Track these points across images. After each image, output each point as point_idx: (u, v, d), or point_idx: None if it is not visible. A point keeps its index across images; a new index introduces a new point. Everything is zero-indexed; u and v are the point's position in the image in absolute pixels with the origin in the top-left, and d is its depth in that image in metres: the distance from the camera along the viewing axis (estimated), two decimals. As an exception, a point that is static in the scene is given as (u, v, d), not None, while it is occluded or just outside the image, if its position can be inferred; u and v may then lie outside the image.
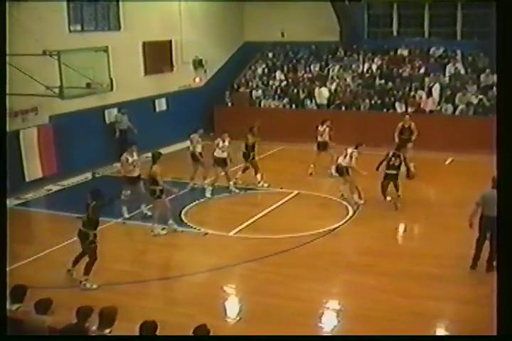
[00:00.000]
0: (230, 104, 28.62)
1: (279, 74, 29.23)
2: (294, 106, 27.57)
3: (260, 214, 16.53)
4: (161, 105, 26.05)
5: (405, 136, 20.49)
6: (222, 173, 18.76)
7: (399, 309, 11.40)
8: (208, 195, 18.38)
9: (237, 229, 15.78)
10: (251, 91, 28.66)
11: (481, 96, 24.63)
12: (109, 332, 7.80)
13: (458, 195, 17.93)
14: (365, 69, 28.04)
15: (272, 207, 17.12)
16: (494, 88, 24.27)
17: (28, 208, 18.63)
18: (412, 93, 25.83)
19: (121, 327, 8.07)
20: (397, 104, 25.70)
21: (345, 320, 11.29)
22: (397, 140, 20.05)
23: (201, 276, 13.34)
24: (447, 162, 21.49)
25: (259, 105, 28.16)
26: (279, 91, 28.29)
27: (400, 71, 27.16)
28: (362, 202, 17.46)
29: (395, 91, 26.24)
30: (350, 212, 17.01)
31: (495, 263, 12.07)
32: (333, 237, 15.32)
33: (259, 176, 19.47)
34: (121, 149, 22.68)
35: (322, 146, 20.57)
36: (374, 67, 27.90)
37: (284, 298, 11.92)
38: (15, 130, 19.33)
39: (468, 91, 25.04)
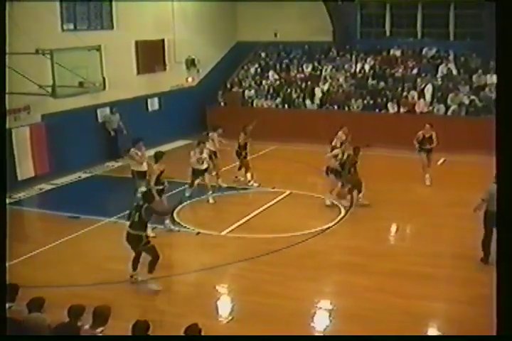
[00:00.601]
0: (222, 104, 28.61)
1: (271, 74, 29.24)
2: (286, 106, 27.57)
3: (252, 214, 16.53)
4: (154, 104, 26.04)
5: (425, 146, 19.39)
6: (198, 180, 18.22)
7: (391, 308, 11.42)
8: (187, 194, 18.28)
9: (230, 228, 15.78)
10: (244, 91, 28.68)
11: (473, 97, 24.72)
12: (102, 331, 7.80)
13: (450, 195, 18.02)
14: (357, 70, 28.09)
15: (264, 207, 17.12)
16: (486, 89, 24.37)
17: (21, 207, 18.56)
18: (405, 93, 25.89)
19: (113, 326, 8.07)
20: (389, 105, 25.75)
21: (337, 320, 11.29)
22: (416, 146, 19.44)
23: (193, 276, 13.34)
24: (439, 162, 21.52)
25: (252, 105, 28.16)
26: (271, 91, 28.30)
27: (393, 71, 27.23)
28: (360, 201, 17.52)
29: (388, 92, 26.30)
30: (343, 212, 17.02)
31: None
32: (325, 237, 15.32)
33: (249, 175, 19.55)
34: (113, 148, 22.77)
35: None
36: (367, 67, 27.95)
37: (277, 298, 11.92)
38: (7, 129, 19.27)
39: (461, 92, 25.11)
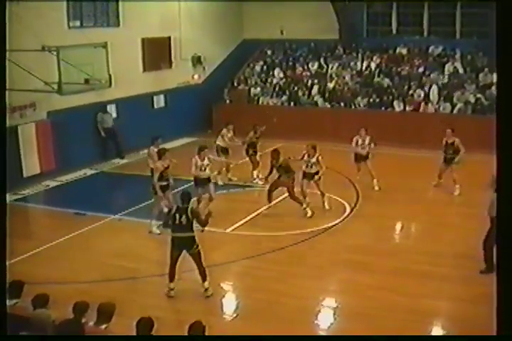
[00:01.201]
0: (228, 102, 28.61)
1: (277, 72, 29.23)
2: (292, 103, 27.57)
3: (257, 212, 16.54)
4: (160, 102, 26.06)
5: (449, 155, 18.24)
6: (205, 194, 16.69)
7: (395, 307, 11.43)
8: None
9: (235, 226, 15.80)
10: (249, 89, 28.66)
11: (479, 95, 24.67)
12: (106, 328, 7.82)
13: (455, 194, 18.02)
14: (363, 68, 28.06)
15: (270, 205, 17.10)
16: (493, 87, 24.29)
17: (26, 204, 18.64)
18: (411, 92, 25.86)
19: (117, 322, 8.09)
20: (395, 103, 25.72)
21: (341, 318, 11.31)
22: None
23: (198, 273, 13.35)
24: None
25: (258, 102, 28.17)
26: (277, 88, 28.29)
27: (399, 69, 27.19)
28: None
29: (394, 90, 26.27)
30: (348, 210, 17.03)
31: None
32: (330, 235, 15.34)
33: (255, 173, 19.61)
34: (109, 148, 22.63)
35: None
36: (373, 65, 27.92)
37: (281, 295, 11.95)
38: (13, 126, 19.34)
39: (467, 90, 25.07)
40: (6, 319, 6.37)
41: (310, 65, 29.13)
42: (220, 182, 19.21)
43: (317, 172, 16.66)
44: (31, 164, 20.04)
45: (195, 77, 27.90)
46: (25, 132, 19.82)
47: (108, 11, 23.38)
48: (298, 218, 16.36)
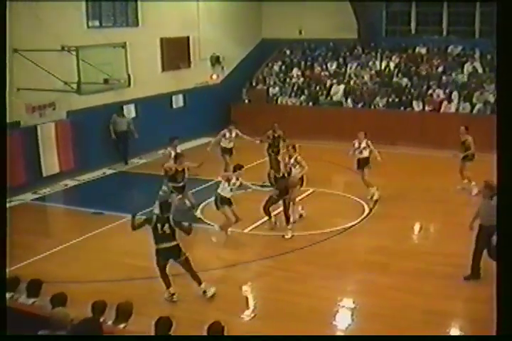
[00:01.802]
0: (247, 101, 28.61)
1: (296, 72, 29.21)
2: (311, 103, 27.53)
3: (276, 212, 16.51)
4: (178, 101, 26.09)
5: (462, 153, 18.07)
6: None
7: (412, 307, 11.39)
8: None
9: (253, 226, 15.79)
10: (268, 89, 28.65)
11: (498, 96, 24.48)
12: (124, 327, 7.84)
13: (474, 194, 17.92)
14: (382, 67, 27.98)
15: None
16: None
17: (45, 203, 18.74)
18: (430, 91, 25.76)
19: (136, 322, 8.11)
20: (414, 103, 25.62)
21: (358, 318, 11.28)
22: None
23: (216, 273, 13.38)
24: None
25: (276, 102, 28.15)
26: (296, 88, 28.27)
27: (418, 69, 27.08)
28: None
29: (413, 90, 26.18)
30: (366, 211, 16.98)
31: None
32: (348, 235, 15.30)
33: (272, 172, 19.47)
34: (117, 151, 22.54)
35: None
36: (392, 65, 27.84)
37: (299, 296, 11.94)
38: (33, 125, 19.46)
39: (486, 90, 24.92)
40: (5, 319, 6.39)
41: (329, 65, 29.08)
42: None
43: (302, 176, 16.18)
44: (50, 163, 20.12)
45: (214, 76, 27.95)
46: (44, 131, 19.91)
47: (127, 11, 23.46)
48: (316, 218, 16.32)
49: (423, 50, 28.14)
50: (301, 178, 16.15)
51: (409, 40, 28.77)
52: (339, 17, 28.75)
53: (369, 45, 29.28)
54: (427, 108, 25.37)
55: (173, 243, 11.82)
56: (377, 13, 29.48)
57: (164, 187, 16.53)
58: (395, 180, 19.00)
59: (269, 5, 30.41)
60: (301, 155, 16.26)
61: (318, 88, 27.82)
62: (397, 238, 15.07)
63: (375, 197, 17.62)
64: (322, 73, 28.61)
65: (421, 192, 18.30)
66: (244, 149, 19.98)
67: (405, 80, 26.71)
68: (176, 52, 25.34)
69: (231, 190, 14.90)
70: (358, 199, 17.72)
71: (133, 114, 23.54)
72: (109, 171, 21.77)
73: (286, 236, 15.01)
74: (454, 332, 10.82)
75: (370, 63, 28.32)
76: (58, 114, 20.43)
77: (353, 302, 11.98)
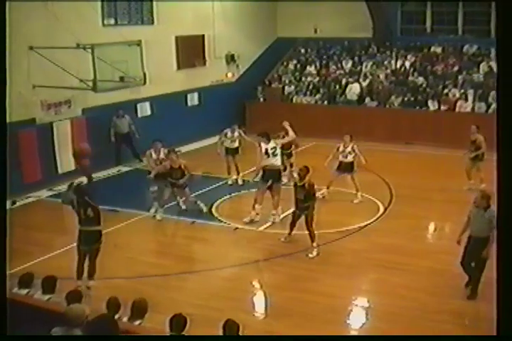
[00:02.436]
0: (262, 100, 28.60)
1: (311, 70, 29.18)
2: (326, 102, 27.49)
3: (290, 210, 16.48)
4: (193, 99, 26.11)
5: (472, 153, 17.92)
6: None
7: (427, 307, 11.35)
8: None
9: (267, 224, 15.79)
10: (283, 87, 28.64)
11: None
12: (140, 324, 7.86)
13: (491, 194, 17.81)
14: (398, 66, 27.91)
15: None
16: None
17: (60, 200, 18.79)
18: (445, 91, 25.67)
19: (151, 319, 8.13)
20: (429, 102, 25.53)
21: (373, 318, 11.27)
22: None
23: (231, 271, 13.40)
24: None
25: (292, 101, 28.13)
26: (311, 87, 28.23)
27: (434, 68, 27.00)
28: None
29: (428, 89, 26.09)
30: (381, 210, 16.94)
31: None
32: (363, 234, 15.27)
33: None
34: (117, 154, 22.45)
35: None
36: (407, 64, 27.75)
37: (313, 294, 11.94)
38: (48, 122, 19.53)
39: (502, 90, 24.76)
40: (5, 319, 6.42)
41: (344, 64, 29.05)
42: (240, 182, 19.38)
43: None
44: (66, 160, 20.17)
45: (229, 75, 27.95)
46: (60, 129, 19.97)
47: (142, 9, 23.49)
48: (331, 217, 16.28)
49: (438, 50, 28.05)
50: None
51: (425, 39, 28.67)
52: (354, 16, 28.69)
53: (384, 44, 29.20)
54: (442, 107, 25.27)
55: (95, 227, 11.96)
56: (393, 12, 29.39)
57: (153, 188, 16.87)
58: (409, 179, 18.95)
59: (285, 3, 30.33)
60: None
61: (333, 87, 27.77)
62: (412, 237, 15.03)
63: (355, 201, 17.48)
64: (337, 72, 28.55)
65: (436, 192, 18.24)
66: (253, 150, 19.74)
67: (421, 79, 26.63)
68: (191, 51, 25.36)
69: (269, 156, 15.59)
70: (373, 198, 17.68)
71: (148, 112, 23.59)
72: (124, 168, 21.81)
73: (310, 255, 13.92)
74: (470, 332, 10.75)
75: (386, 62, 28.25)
76: (74, 111, 20.49)
77: (368, 302, 11.96)
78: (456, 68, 26.75)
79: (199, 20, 25.46)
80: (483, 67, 26.30)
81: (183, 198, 16.85)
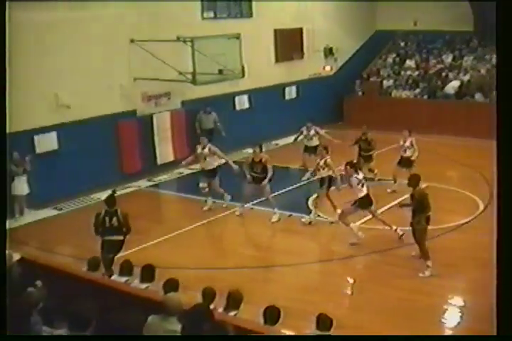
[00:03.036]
0: (360, 93, 28.37)
1: (410, 64, 28.75)
2: (426, 96, 27.03)
3: (387, 206, 16.32)
4: (291, 93, 26.14)
5: None
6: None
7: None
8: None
9: (363, 219, 15.64)
10: (382, 81, 28.32)
11: None
12: (235, 315, 7.92)
13: None
14: (500, 61, 27.20)
15: (399, 200, 16.75)
16: None
17: (159, 190, 19.13)
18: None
19: (245, 310, 8.18)
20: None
21: (469, 317, 11.00)
22: None
23: (325, 265, 13.37)
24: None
25: (390, 95, 27.79)
26: (410, 81, 27.82)
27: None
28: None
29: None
30: (481, 207, 16.54)
31: None
32: (461, 232, 14.92)
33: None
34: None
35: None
36: (510, 58, 27.01)
37: (408, 292, 11.79)
38: (148, 114, 19.90)
39: None
40: (6, 319, 6.54)
41: (444, 57, 28.50)
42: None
43: (330, 177, 15.86)
44: (165, 152, 20.54)
45: (327, 68, 27.84)
46: (160, 120, 20.35)
47: (241, 3, 23.65)
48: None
49: (544, 43, 27.19)
50: (329, 180, 15.76)
51: (529, 33, 27.82)
52: (455, 8, 27.99)
53: (485, 37, 28.47)
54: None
55: (119, 237, 11.77)
56: (494, 4, 28.58)
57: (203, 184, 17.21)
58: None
59: (384, -4, 29.98)
60: (331, 158, 15.78)
61: (435, 81, 27.27)
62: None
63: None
64: (437, 66, 28.04)
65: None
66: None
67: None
68: (289, 44, 25.38)
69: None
70: (472, 195, 17.29)
71: (246, 105, 23.74)
72: (222, 160, 21.93)
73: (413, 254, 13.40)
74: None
75: (487, 56, 27.55)
76: (173, 104, 20.85)
77: (464, 301, 11.73)
78: None
79: (297, 14, 25.44)
80: None
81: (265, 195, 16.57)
